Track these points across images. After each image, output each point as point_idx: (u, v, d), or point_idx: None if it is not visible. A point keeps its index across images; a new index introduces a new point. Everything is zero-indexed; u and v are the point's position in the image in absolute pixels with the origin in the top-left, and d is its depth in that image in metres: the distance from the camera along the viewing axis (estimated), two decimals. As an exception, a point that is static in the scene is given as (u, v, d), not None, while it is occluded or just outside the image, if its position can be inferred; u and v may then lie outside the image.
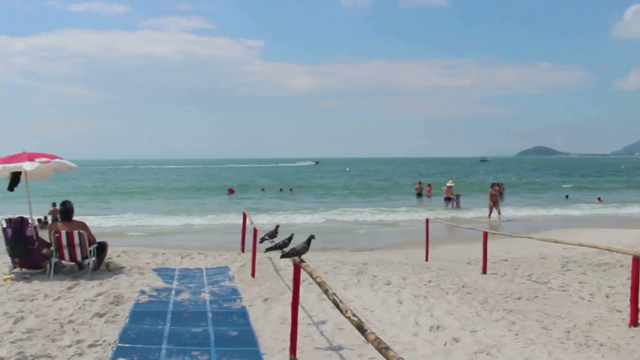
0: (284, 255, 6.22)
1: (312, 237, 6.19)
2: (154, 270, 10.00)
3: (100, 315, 6.87)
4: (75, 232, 8.87)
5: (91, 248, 9.11)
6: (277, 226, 7.90)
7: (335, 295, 4.15)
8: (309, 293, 8.51)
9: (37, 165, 9.02)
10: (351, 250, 15.60)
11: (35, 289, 8.12)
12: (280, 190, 42.60)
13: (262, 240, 7.74)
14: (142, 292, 8.18)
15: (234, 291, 8.55)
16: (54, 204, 21.20)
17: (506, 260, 12.36)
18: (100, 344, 5.91)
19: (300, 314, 7.54)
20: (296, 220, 23.34)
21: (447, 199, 27.82)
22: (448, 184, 28.68)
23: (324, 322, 7.00)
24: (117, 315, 6.98)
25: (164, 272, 9.90)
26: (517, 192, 42.28)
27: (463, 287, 9.11)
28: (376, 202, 35.28)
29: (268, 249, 6.63)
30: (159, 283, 8.98)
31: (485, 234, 10.94)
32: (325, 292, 4.37)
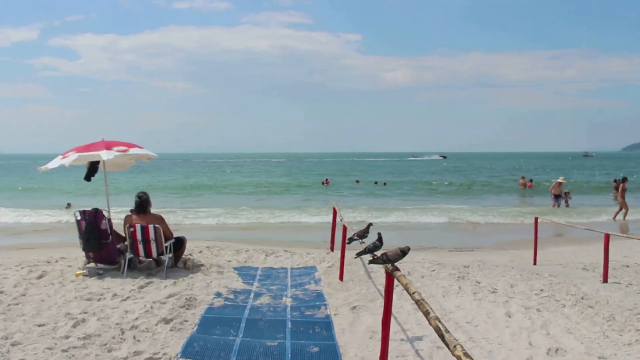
0: (372, 261, 5.25)
1: (408, 248, 5.14)
2: (235, 269, 9.21)
3: (167, 321, 6.07)
4: (151, 227, 8.22)
5: (167, 244, 8.44)
6: (369, 225, 6.79)
7: (439, 322, 3.02)
8: (402, 301, 7.35)
9: (115, 154, 8.45)
10: (450, 250, 14.20)
11: (106, 287, 7.52)
12: (375, 183, 41.43)
13: (351, 240, 6.68)
14: (218, 295, 7.36)
15: (319, 296, 7.54)
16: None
17: (627, 266, 10.54)
18: (160, 358, 5.08)
19: (393, 326, 6.42)
20: (389, 218, 21.98)
21: (556, 197, 24.89)
22: (559, 180, 25.70)
23: (420, 339, 5.84)
24: (186, 321, 6.16)
25: (245, 272, 9.09)
26: (630, 188, 38.31)
27: (582, 298, 7.57)
28: (475, 197, 33.20)
29: (358, 254, 5.55)
30: (238, 284, 8.14)
31: (607, 236, 9.25)
32: (426, 314, 3.26)
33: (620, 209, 20.98)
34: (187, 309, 6.64)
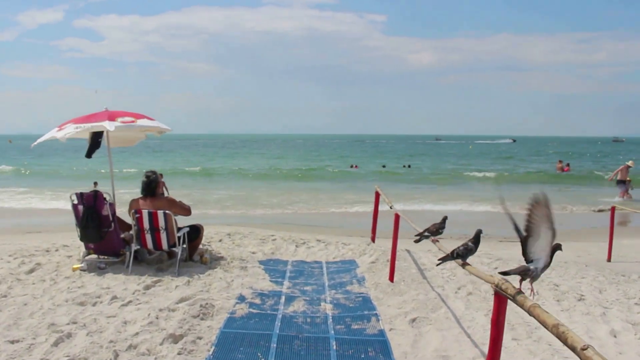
0: (443, 259, 4.14)
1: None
2: (261, 263, 7.78)
3: (176, 339, 4.66)
4: (160, 213, 6.80)
5: (180, 233, 7.03)
6: (445, 218, 5.29)
7: None
8: (471, 309, 5.88)
9: (119, 125, 7.04)
10: (500, 240, 12.62)
11: (105, 287, 6.13)
12: (404, 167, 39.69)
13: (421, 237, 5.20)
14: (241, 299, 5.93)
15: (366, 302, 6.07)
16: (160, 175, 19.70)
17: None
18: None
19: (462, 343, 4.96)
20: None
21: (622, 183, 21.31)
22: (627, 164, 21.65)
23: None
24: (200, 339, 4.74)
25: (272, 267, 7.66)
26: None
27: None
28: (509, 183, 31.31)
29: (443, 260, 4.12)
30: (265, 283, 6.70)
31: None
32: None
33: None
34: (202, 319, 5.23)
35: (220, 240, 9.14)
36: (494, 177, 32.01)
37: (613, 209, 10.02)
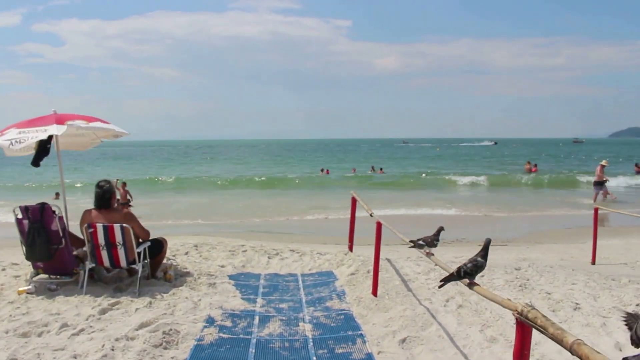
0: (447, 280, 3.60)
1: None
2: (231, 277, 7.12)
3: (134, 376, 4.00)
4: (117, 227, 6.09)
5: (140, 248, 6.33)
6: (441, 229, 4.75)
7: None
8: (463, 324, 5.36)
9: (66, 128, 6.32)
10: (479, 244, 12.18)
11: (54, 313, 5.40)
12: (372, 169, 39.20)
13: (416, 246, 4.65)
14: (210, 322, 5.27)
15: (349, 320, 5.48)
16: (123, 184, 18.75)
17: None
18: None
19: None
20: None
21: (599, 184, 20.54)
22: (602, 163, 20.80)
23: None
24: (161, 375, 4.10)
25: (244, 281, 7.01)
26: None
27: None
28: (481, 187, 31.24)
29: (446, 281, 3.54)
30: (236, 302, 6.04)
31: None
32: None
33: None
34: (165, 348, 4.57)
35: (186, 253, 8.44)
36: (469, 182, 31.60)
37: (596, 211, 9.66)
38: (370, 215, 6.46)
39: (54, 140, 6.96)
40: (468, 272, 3.33)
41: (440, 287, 3.81)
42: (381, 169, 38.58)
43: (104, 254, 6.19)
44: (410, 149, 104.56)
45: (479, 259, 3.36)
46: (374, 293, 6.09)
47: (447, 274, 3.56)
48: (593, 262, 9.31)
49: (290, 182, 31.24)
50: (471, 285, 3.33)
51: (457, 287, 6.40)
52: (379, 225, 5.97)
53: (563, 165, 48.42)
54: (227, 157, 71.22)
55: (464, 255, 9.89)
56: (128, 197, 18.79)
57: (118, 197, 17.53)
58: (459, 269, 3.42)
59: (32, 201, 6.45)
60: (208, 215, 17.66)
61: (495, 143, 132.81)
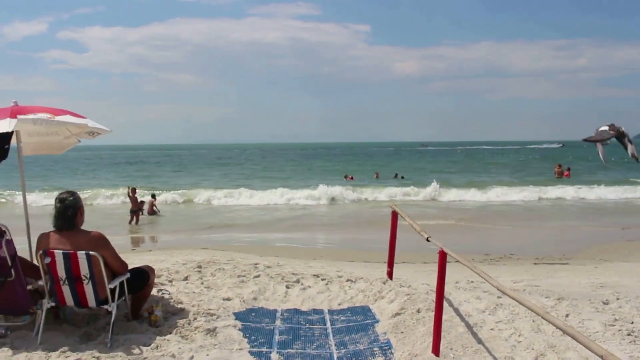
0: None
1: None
2: (237, 317, 5.44)
3: None
4: (82, 255, 4.47)
5: (114, 284, 4.70)
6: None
7: None
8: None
9: (16, 122, 4.74)
10: (534, 262, 10.34)
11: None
12: (395, 176, 37.04)
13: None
14: (200, 398, 3.63)
15: (401, 396, 3.79)
16: (133, 190, 16.99)
17: None
18: None
19: None
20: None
21: None
22: None
23: None
24: None
25: (255, 323, 5.35)
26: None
27: None
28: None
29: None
30: (243, 359, 4.40)
31: None
32: None
33: None
34: None
35: (185, 279, 6.81)
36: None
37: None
38: (427, 239, 4.74)
39: (13, 139, 5.38)
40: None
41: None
42: (402, 176, 36.34)
43: (66, 290, 4.57)
44: (431, 152, 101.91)
45: None
46: (435, 352, 4.36)
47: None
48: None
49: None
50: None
51: (546, 338, 4.67)
52: (442, 255, 4.24)
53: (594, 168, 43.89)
54: (248, 161, 69.77)
55: (523, 279, 8.16)
56: (154, 208, 17.33)
57: (142, 205, 16.15)
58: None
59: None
60: (224, 228, 16.07)
61: (563, 145, 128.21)
